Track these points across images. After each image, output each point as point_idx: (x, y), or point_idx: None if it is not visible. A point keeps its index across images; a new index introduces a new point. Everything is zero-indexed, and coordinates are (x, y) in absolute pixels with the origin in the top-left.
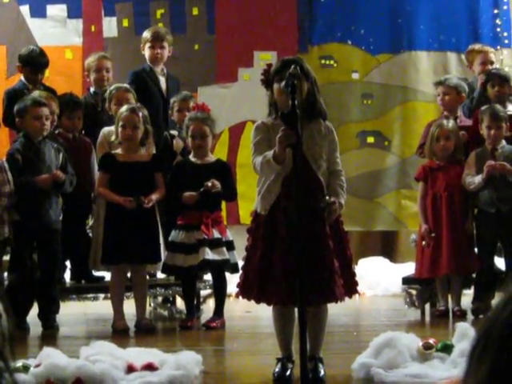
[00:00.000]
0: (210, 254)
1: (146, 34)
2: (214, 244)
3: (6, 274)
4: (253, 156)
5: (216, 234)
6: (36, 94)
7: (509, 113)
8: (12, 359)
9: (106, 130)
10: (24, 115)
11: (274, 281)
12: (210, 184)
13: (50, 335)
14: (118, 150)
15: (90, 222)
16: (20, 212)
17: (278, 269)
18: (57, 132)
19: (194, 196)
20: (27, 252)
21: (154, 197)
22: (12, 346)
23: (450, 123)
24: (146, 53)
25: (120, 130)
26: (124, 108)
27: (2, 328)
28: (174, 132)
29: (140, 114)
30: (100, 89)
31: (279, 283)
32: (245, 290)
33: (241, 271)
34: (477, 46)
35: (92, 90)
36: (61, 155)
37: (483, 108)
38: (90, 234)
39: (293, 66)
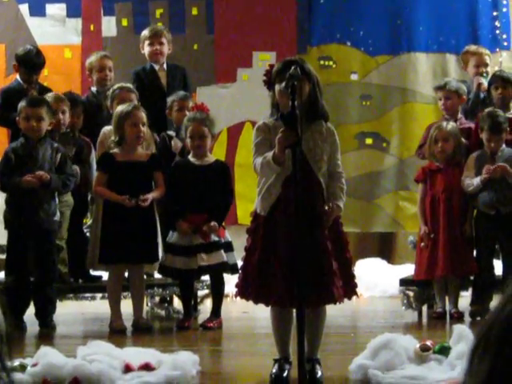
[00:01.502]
0: (207, 261)
1: (145, 32)
2: (212, 247)
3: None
4: (253, 156)
5: (213, 237)
6: (50, 95)
7: (510, 116)
8: (9, 359)
9: (106, 129)
10: (19, 115)
11: (272, 282)
12: (206, 229)
13: (47, 334)
14: (116, 150)
15: (89, 221)
16: (11, 211)
17: (277, 270)
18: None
19: (189, 231)
20: (22, 251)
21: (151, 195)
22: (9, 346)
23: (450, 125)
24: (146, 50)
25: (130, 128)
26: (126, 106)
27: (0, 327)
28: (171, 133)
29: (144, 112)
30: (103, 88)
31: (278, 284)
32: (243, 291)
33: (239, 271)
34: (472, 48)
35: (94, 89)
36: (58, 155)
37: (484, 115)
38: (88, 234)
39: (293, 67)
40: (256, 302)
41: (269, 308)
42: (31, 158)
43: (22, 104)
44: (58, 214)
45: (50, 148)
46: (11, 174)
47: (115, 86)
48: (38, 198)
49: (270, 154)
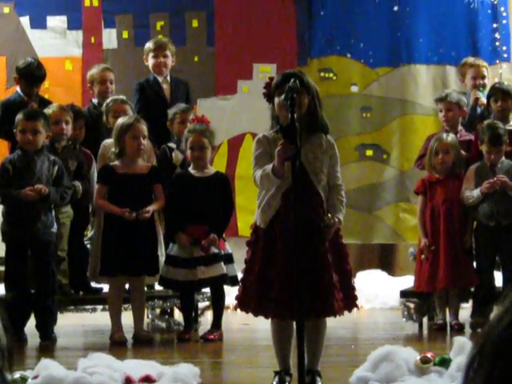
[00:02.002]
0: (207, 273)
1: (149, 45)
2: (212, 260)
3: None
4: (253, 169)
5: (213, 249)
6: (54, 106)
7: (509, 128)
8: (10, 372)
9: (107, 142)
10: (16, 127)
11: (272, 294)
12: (205, 243)
13: (47, 347)
14: (116, 162)
15: (89, 233)
16: (8, 223)
17: (277, 282)
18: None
19: (188, 244)
20: (20, 263)
21: (152, 208)
22: (10, 359)
23: (450, 137)
24: (150, 62)
25: (131, 140)
26: (127, 118)
27: (0, 342)
28: (172, 145)
29: (145, 125)
30: (104, 100)
31: (278, 297)
32: (243, 303)
33: (240, 284)
34: (469, 60)
35: (95, 101)
36: (55, 168)
37: (484, 127)
38: (88, 246)
39: (292, 80)
40: (256, 314)
41: (269, 320)
42: (28, 170)
43: (18, 117)
44: (56, 225)
45: (47, 160)
46: (8, 185)
47: (108, 100)
48: (35, 210)
49: (269, 167)
